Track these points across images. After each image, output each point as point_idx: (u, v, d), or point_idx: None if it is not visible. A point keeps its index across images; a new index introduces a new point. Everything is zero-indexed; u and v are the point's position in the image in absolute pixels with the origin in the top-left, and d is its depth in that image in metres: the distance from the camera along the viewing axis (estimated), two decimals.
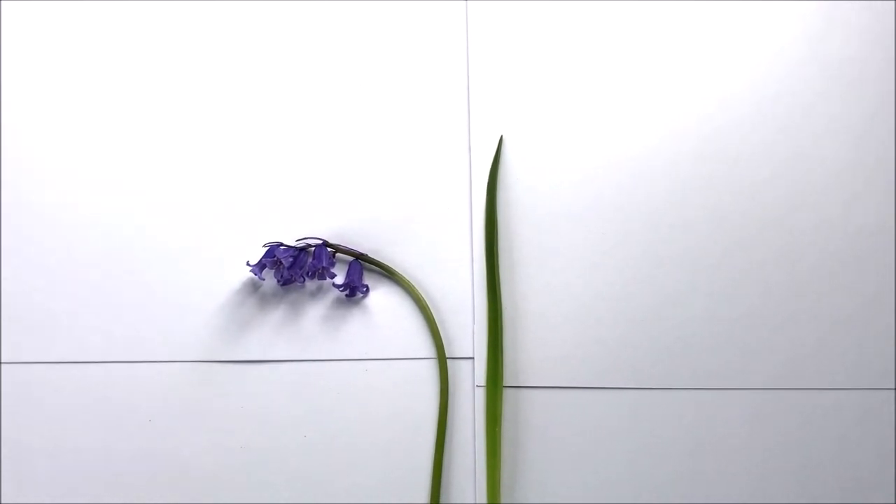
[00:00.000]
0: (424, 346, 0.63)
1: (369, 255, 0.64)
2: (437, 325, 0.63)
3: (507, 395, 0.62)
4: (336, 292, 0.64)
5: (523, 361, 0.63)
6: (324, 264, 0.62)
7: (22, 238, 0.65)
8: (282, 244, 0.63)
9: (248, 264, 0.62)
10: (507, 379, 0.62)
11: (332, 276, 0.63)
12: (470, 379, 0.63)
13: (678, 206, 0.67)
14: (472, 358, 0.63)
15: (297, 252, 0.63)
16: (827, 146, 0.69)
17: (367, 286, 0.64)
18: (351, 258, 0.64)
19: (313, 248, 0.64)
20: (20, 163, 0.66)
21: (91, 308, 0.63)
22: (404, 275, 0.64)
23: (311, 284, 0.64)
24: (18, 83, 0.68)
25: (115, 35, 0.70)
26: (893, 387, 0.64)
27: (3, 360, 0.62)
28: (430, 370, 0.63)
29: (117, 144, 0.67)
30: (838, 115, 0.70)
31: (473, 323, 0.64)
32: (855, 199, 0.68)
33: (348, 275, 0.63)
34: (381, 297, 0.64)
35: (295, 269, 0.62)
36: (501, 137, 0.68)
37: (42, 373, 0.62)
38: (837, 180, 0.68)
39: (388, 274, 0.65)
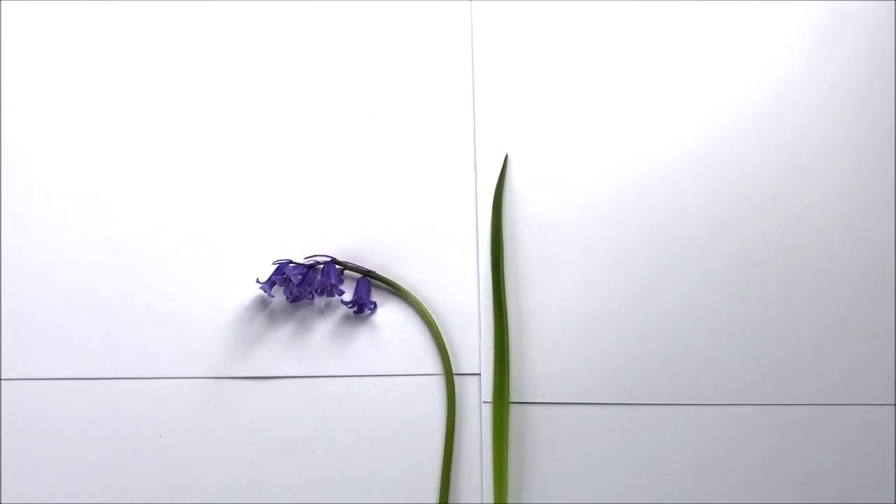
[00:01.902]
0: (431, 363, 0.64)
1: (377, 272, 0.65)
2: (444, 341, 0.64)
3: (514, 410, 0.63)
4: (344, 309, 0.65)
5: (529, 377, 0.64)
6: (332, 281, 0.63)
7: (31, 254, 0.65)
8: (291, 262, 0.64)
9: (257, 281, 0.63)
10: (514, 395, 0.63)
11: (341, 292, 0.64)
12: (477, 395, 0.63)
13: (681, 221, 0.68)
14: (479, 374, 0.64)
15: (306, 269, 0.64)
16: (829, 159, 0.70)
17: (374, 303, 0.65)
18: (359, 275, 0.65)
19: (322, 266, 0.64)
20: (27, 174, 0.67)
21: (101, 324, 0.64)
22: (411, 292, 0.65)
23: (319, 301, 0.65)
24: (19, 87, 0.69)
25: (123, 46, 0.71)
26: (893, 402, 0.65)
27: (12, 377, 0.62)
28: (436, 386, 0.64)
29: (126, 159, 0.68)
30: (839, 128, 0.71)
31: (480, 339, 0.65)
32: (856, 214, 0.69)
33: (356, 292, 0.64)
34: (388, 313, 0.65)
35: (304, 286, 0.63)
36: (507, 156, 0.69)
37: (52, 389, 0.62)
38: (839, 195, 0.69)
39: (395, 291, 0.65)
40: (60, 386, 0.62)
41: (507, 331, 0.63)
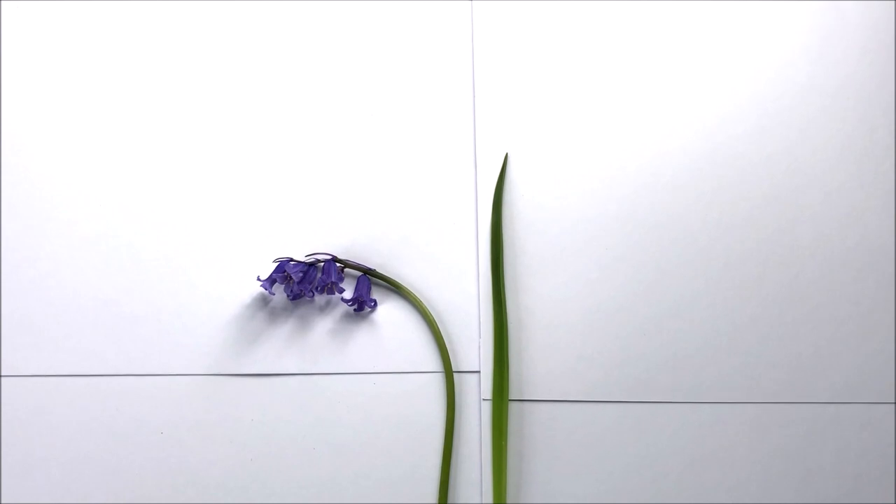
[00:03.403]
0: (431, 360, 0.64)
1: (377, 270, 0.65)
2: (444, 339, 0.64)
3: (513, 408, 0.63)
4: (344, 307, 0.65)
5: (529, 375, 0.64)
6: (333, 279, 0.63)
7: (33, 251, 0.66)
8: (291, 259, 0.64)
9: (258, 279, 0.63)
10: (513, 392, 0.63)
11: (341, 290, 0.64)
12: (476, 392, 0.64)
13: (680, 220, 0.68)
14: (479, 371, 0.64)
15: (306, 267, 0.64)
16: (830, 159, 0.70)
17: (374, 301, 0.65)
18: (359, 273, 0.65)
19: (322, 264, 0.65)
20: (29, 171, 0.67)
21: (102, 321, 0.64)
22: (411, 290, 0.65)
23: (320, 299, 0.65)
24: (20, 87, 0.69)
25: (125, 46, 0.71)
26: (893, 401, 0.65)
27: (12, 374, 0.63)
28: (436, 384, 0.64)
29: (127, 157, 0.68)
30: (840, 128, 0.71)
31: (479, 337, 0.65)
32: (856, 214, 0.69)
33: (357, 289, 0.64)
34: (388, 311, 0.65)
35: (304, 283, 0.63)
36: (507, 154, 0.69)
37: (52, 386, 0.63)
38: (839, 195, 0.69)
39: (395, 289, 0.66)
40: (61, 383, 0.63)
41: (507, 328, 0.64)
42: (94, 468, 0.61)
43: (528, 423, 0.63)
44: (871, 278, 0.68)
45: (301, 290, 0.64)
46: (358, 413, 0.63)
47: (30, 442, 0.62)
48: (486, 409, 0.63)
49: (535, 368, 0.64)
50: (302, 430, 0.63)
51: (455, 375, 0.63)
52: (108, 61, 0.71)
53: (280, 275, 0.63)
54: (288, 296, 0.64)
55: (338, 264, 0.65)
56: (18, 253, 0.66)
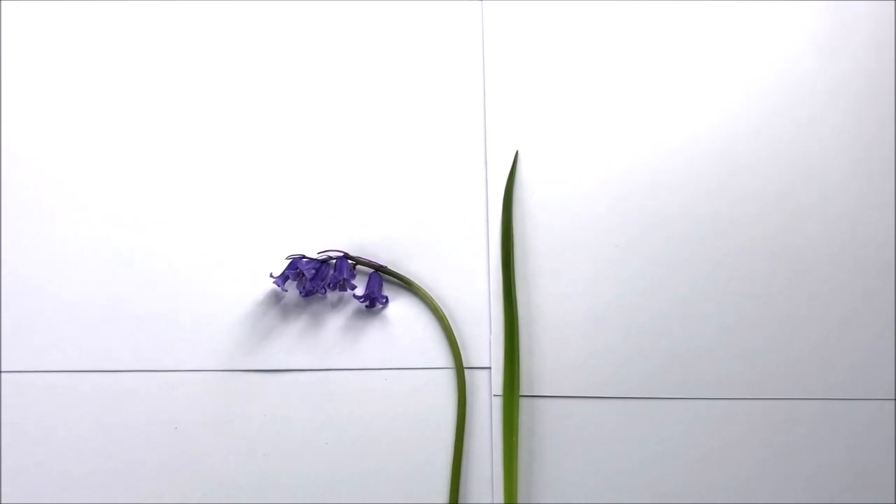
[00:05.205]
0: (442, 356, 0.65)
1: (389, 267, 0.66)
2: (455, 335, 0.65)
3: (524, 404, 0.64)
4: (356, 303, 0.65)
5: (539, 371, 0.65)
6: (345, 276, 0.64)
7: (47, 249, 0.66)
8: (304, 256, 0.64)
9: (271, 276, 0.64)
10: (524, 388, 0.64)
11: (353, 287, 0.64)
12: (487, 388, 0.64)
13: (689, 218, 0.69)
14: (489, 368, 0.65)
15: (318, 264, 0.64)
16: (835, 157, 0.71)
17: (386, 297, 0.65)
18: (371, 270, 0.66)
19: (334, 261, 0.65)
20: (42, 167, 0.68)
21: (116, 318, 0.64)
22: (422, 286, 0.66)
23: (332, 296, 0.66)
24: (25, 84, 0.69)
25: (134, 45, 0.71)
26: (894, 397, 0.66)
27: (26, 370, 0.63)
28: (447, 380, 0.64)
29: (141, 154, 0.69)
30: (846, 126, 0.72)
31: (490, 333, 0.65)
32: (862, 211, 0.70)
33: (368, 286, 0.65)
34: (399, 308, 0.66)
35: (317, 280, 0.64)
36: (517, 152, 0.70)
37: (67, 381, 0.63)
38: (845, 193, 0.70)
39: (406, 285, 0.66)
40: (76, 378, 0.63)
41: (517, 325, 0.64)
42: (107, 464, 0.61)
43: (538, 418, 0.64)
44: (877, 275, 0.68)
45: (313, 287, 0.64)
46: (369, 409, 0.63)
47: (42, 438, 0.62)
48: (497, 404, 0.63)
49: (545, 364, 0.65)
50: (313, 426, 0.63)
51: (466, 371, 0.64)
52: (118, 59, 0.71)
53: (292, 272, 0.64)
54: (300, 292, 0.65)
55: (350, 261, 0.65)
56: (33, 250, 0.66)
